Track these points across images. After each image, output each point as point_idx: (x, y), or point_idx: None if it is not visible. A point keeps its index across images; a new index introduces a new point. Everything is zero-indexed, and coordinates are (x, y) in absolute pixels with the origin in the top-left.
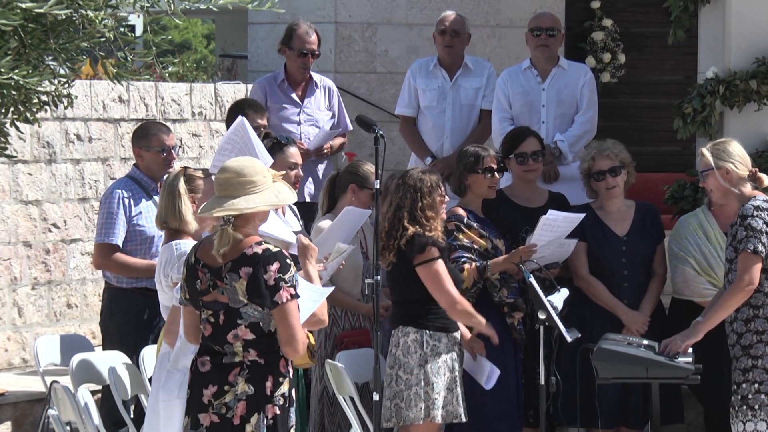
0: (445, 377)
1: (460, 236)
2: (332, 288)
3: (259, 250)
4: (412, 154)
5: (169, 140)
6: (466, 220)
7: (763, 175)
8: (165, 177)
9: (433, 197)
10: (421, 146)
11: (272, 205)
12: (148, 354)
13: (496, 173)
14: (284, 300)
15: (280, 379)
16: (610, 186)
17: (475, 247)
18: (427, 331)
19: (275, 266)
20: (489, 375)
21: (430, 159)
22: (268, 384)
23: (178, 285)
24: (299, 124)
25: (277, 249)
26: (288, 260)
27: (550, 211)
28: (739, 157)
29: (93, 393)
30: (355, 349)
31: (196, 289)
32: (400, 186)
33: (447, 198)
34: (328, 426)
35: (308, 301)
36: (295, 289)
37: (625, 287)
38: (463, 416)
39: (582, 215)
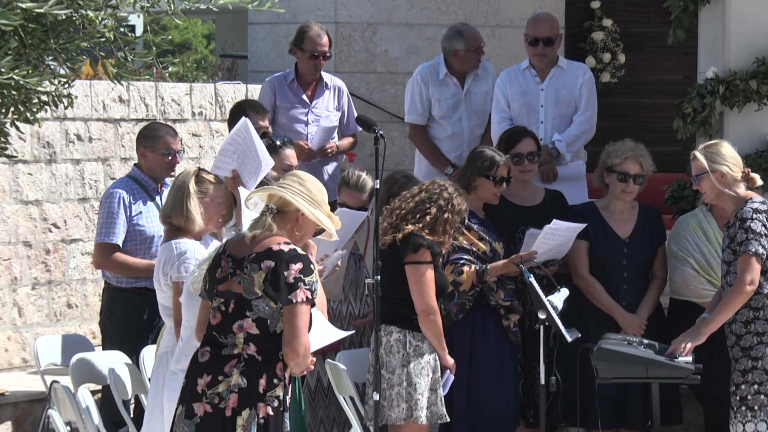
0: (428, 378)
1: (460, 238)
2: (352, 332)
3: (285, 248)
4: (417, 161)
5: (175, 144)
6: (466, 221)
7: (755, 175)
8: (167, 180)
9: (455, 218)
10: (439, 156)
11: (312, 215)
12: (148, 354)
13: (504, 183)
14: (299, 300)
15: (275, 381)
16: (629, 191)
17: (474, 249)
18: (410, 331)
19: (298, 266)
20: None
21: (452, 169)
22: (262, 381)
23: (186, 283)
24: (307, 124)
25: (303, 253)
26: (312, 266)
27: (554, 221)
28: (732, 158)
29: (93, 393)
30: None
31: (215, 277)
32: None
33: (455, 233)
34: (311, 421)
35: (322, 336)
36: (312, 294)
37: (624, 289)
38: (446, 416)
39: (584, 225)
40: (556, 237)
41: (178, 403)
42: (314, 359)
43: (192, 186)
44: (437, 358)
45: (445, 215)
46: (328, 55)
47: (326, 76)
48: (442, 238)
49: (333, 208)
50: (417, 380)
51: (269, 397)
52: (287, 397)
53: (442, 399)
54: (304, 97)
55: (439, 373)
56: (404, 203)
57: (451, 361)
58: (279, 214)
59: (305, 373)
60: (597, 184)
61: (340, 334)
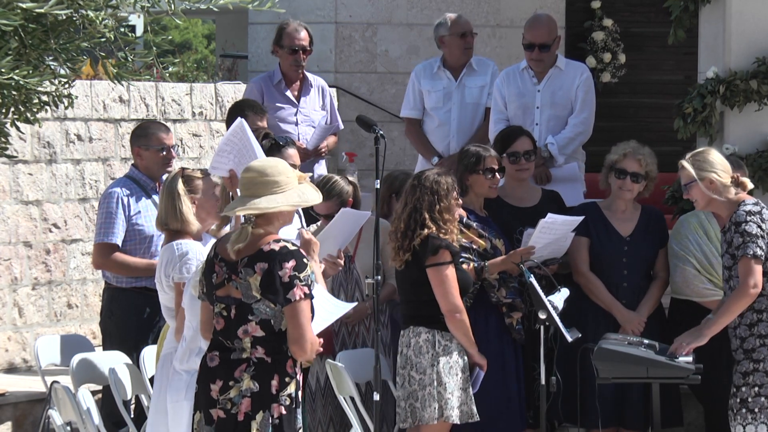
0: (457, 377)
1: (460, 236)
2: (354, 304)
3: (276, 247)
4: (419, 156)
5: (168, 139)
6: (465, 220)
7: (745, 180)
8: (164, 177)
9: (450, 199)
10: (427, 147)
11: (294, 205)
12: (149, 354)
13: (497, 173)
14: (297, 298)
15: (287, 379)
16: (626, 188)
17: (474, 247)
18: (439, 331)
19: (291, 264)
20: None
21: (437, 159)
22: (274, 382)
23: (188, 284)
24: (296, 124)
25: (294, 248)
26: (305, 260)
27: (549, 215)
28: (720, 165)
29: (93, 393)
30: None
31: (212, 282)
32: (417, 187)
33: (461, 201)
34: (310, 422)
35: (327, 312)
36: (309, 289)
37: (624, 287)
38: (476, 416)
39: (580, 218)
40: (552, 231)
41: (194, 409)
42: (321, 340)
43: (180, 188)
44: (466, 357)
45: (438, 206)
46: (308, 49)
47: (310, 76)
48: (451, 224)
49: (311, 212)
50: (447, 379)
51: (282, 397)
52: (299, 392)
53: (472, 397)
54: (291, 96)
55: (468, 372)
56: (399, 224)
57: (479, 357)
58: (259, 216)
59: (314, 356)
60: (603, 187)
61: (344, 308)
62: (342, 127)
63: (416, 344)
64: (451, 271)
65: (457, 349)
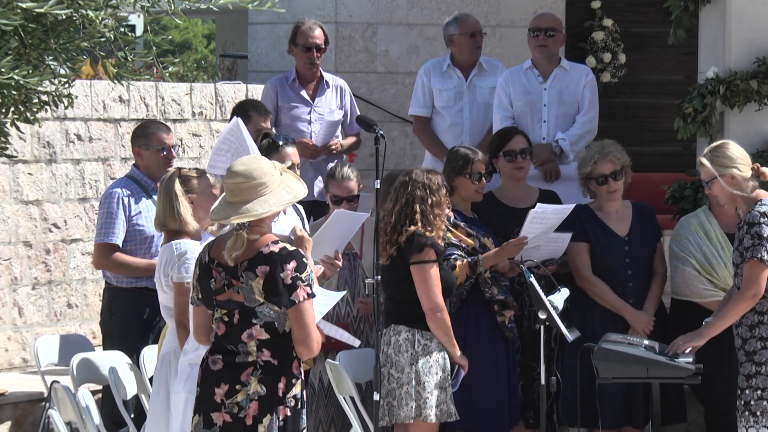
0: (437, 376)
1: (449, 235)
2: (344, 292)
3: (275, 248)
4: (427, 153)
5: (169, 139)
6: (452, 219)
7: (765, 169)
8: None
9: (440, 196)
10: (439, 146)
11: (287, 203)
12: (149, 354)
13: (483, 178)
14: (301, 299)
15: (293, 381)
16: (612, 190)
17: (463, 245)
18: (419, 330)
19: (292, 265)
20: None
21: None
22: (281, 385)
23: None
24: (310, 123)
25: (293, 248)
26: (304, 259)
27: (539, 204)
28: (740, 159)
29: (93, 393)
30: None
31: (210, 288)
32: (408, 183)
33: (449, 201)
34: (312, 422)
35: (320, 305)
36: (311, 288)
37: (629, 287)
38: (456, 415)
39: (572, 206)
40: (543, 221)
41: (194, 412)
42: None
43: (178, 188)
44: (446, 357)
45: (430, 201)
46: (322, 47)
47: (327, 76)
48: (439, 220)
49: (322, 210)
50: (426, 379)
51: (288, 399)
52: (303, 392)
53: (452, 397)
54: (305, 95)
55: (449, 372)
56: (389, 219)
57: (461, 357)
58: (251, 221)
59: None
60: (585, 196)
61: (336, 297)
62: (358, 128)
63: (396, 342)
64: (434, 270)
65: (437, 348)
